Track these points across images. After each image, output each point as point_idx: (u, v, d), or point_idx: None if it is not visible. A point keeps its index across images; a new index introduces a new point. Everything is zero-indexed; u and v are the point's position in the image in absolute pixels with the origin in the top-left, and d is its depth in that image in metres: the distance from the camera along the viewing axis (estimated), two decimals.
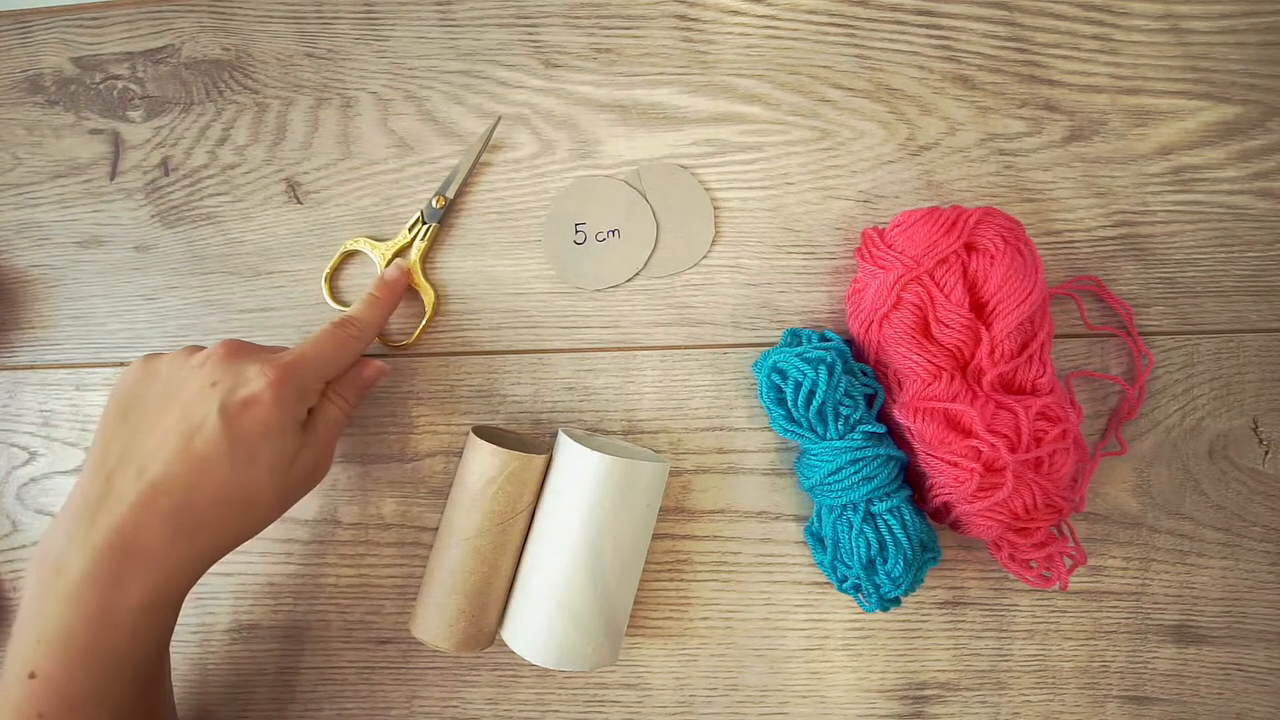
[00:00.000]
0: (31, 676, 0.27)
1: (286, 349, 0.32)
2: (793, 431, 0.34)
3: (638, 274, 0.38)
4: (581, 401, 0.38)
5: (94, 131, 0.40)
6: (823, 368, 0.32)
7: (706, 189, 0.38)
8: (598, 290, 0.38)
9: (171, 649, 0.32)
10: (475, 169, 0.39)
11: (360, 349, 0.34)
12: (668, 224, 0.38)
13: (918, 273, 0.32)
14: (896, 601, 0.34)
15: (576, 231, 0.38)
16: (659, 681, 0.37)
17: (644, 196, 0.38)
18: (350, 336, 0.33)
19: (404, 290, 0.37)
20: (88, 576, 0.27)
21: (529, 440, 0.38)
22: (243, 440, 0.28)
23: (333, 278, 0.39)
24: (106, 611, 0.27)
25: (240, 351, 0.31)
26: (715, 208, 0.38)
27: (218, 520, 0.29)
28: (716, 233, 0.38)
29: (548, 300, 0.38)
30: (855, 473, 0.32)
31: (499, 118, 0.39)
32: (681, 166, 0.38)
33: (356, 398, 0.34)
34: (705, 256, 0.38)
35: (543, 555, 0.33)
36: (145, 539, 0.27)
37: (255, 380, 0.29)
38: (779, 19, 0.39)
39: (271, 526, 0.32)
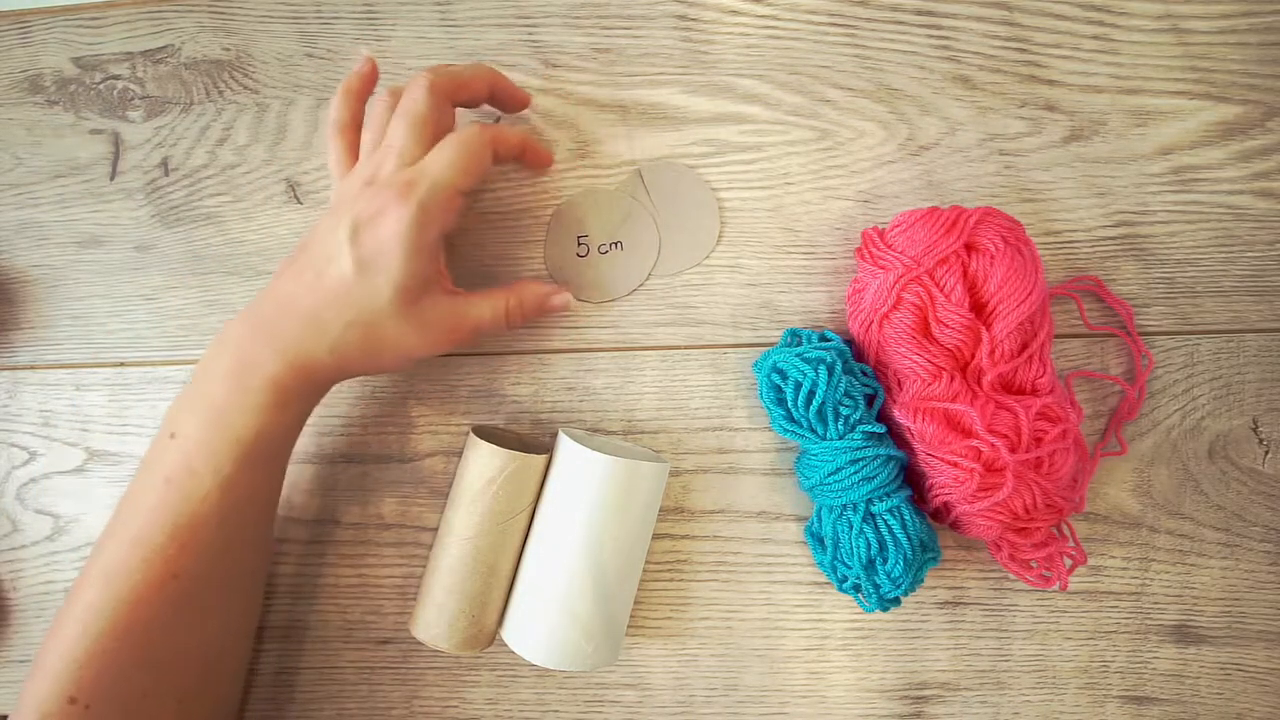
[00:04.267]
0: (172, 436, 0.30)
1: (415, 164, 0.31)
2: (793, 431, 0.34)
3: (641, 285, 0.38)
4: (581, 401, 0.38)
5: (94, 131, 0.40)
6: (823, 368, 0.32)
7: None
8: (586, 302, 0.38)
9: None
10: None
11: (496, 157, 0.33)
12: (672, 222, 0.38)
13: (918, 273, 0.32)
14: (896, 601, 0.34)
15: (579, 244, 0.38)
16: (659, 681, 0.37)
17: (648, 195, 0.38)
18: (484, 142, 0.32)
19: (546, 163, 0.37)
20: (236, 350, 0.30)
21: (529, 440, 0.38)
22: (365, 260, 0.30)
23: None
24: (241, 387, 0.30)
25: (379, 174, 0.31)
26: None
27: (339, 334, 0.30)
28: (722, 229, 0.38)
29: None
30: (855, 473, 0.32)
31: (499, 117, 0.39)
32: (686, 165, 0.38)
33: (531, 314, 0.35)
34: (711, 253, 0.38)
35: (543, 555, 0.33)
36: (280, 331, 0.30)
37: (380, 199, 0.30)
38: (779, 19, 0.39)
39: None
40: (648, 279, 0.38)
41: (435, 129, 0.32)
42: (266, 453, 0.31)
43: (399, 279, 0.30)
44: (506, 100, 0.36)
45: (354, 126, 0.34)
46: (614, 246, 0.38)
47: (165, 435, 0.30)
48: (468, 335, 0.33)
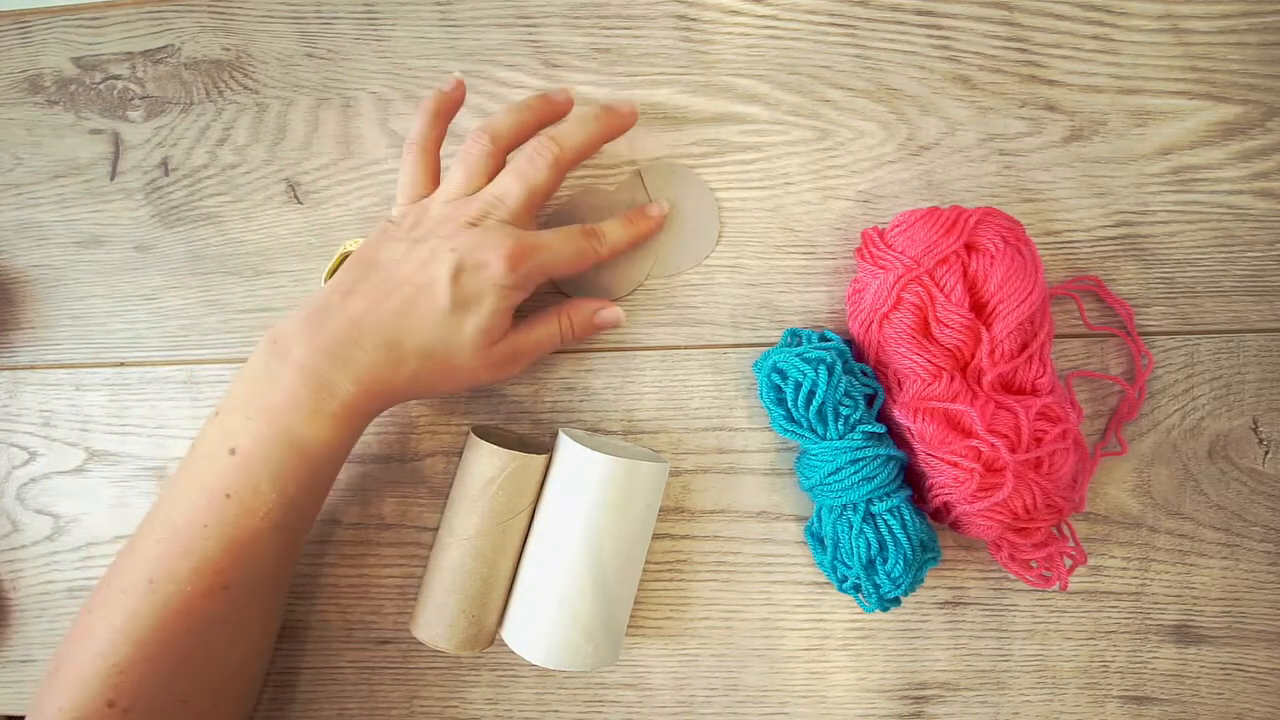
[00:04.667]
0: (232, 453, 0.30)
1: (531, 233, 0.33)
2: (793, 431, 0.34)
3: (639, 286, 0.38)
4: (581, 401, 0.38)
5: (94, 131, 0.40)
6: (823, 368, 0.32)
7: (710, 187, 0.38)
8: None
9: None
10: None
11: (593, 265, 0.34)
12: (671, 223, 0.38)
13: (918, 273, 0.32)
14: (896, 601, 0.34)
15: None
16: (659, 681, 0.37)
17: (647, 196, 0.38)
18: (592, 249, 0.34)
19: (656, 231, 0.37)
20: (304, 369, 0.30)
21: (529, 440, 0.38)
22: (461, 301, 0.31)
23: (333, 278, 0.39)
24: (313, 409, 0.30)
25: (484, 221, 0.32)
26: (718, 205, 0.38)
27: (417, 364, 0.31)
28: (721, 229, 0.38)
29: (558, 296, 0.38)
30: (855, 473, 0.32)
31: None
32: (685, 165, 0.38)
33: (582, 333, 0.36)
34: (711, 254, 0.38)
35: (543, 555, 0.33)
36: (356, 355, 0.30)
37: (492, 251, 0.31)
38: (779, 19, 0.39)
39: None
40: (646, 279, 0.38)
41: (546, 197, 0.33)
42: (326, 470, 0.32)
43: (486, 325, 0.31)
44: (616, 137, 0.36)
45: (435, 147, 0.35)
46: None
47: (222, 450, 0.30)
48: (528, 361, 0.34)
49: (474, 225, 0.32)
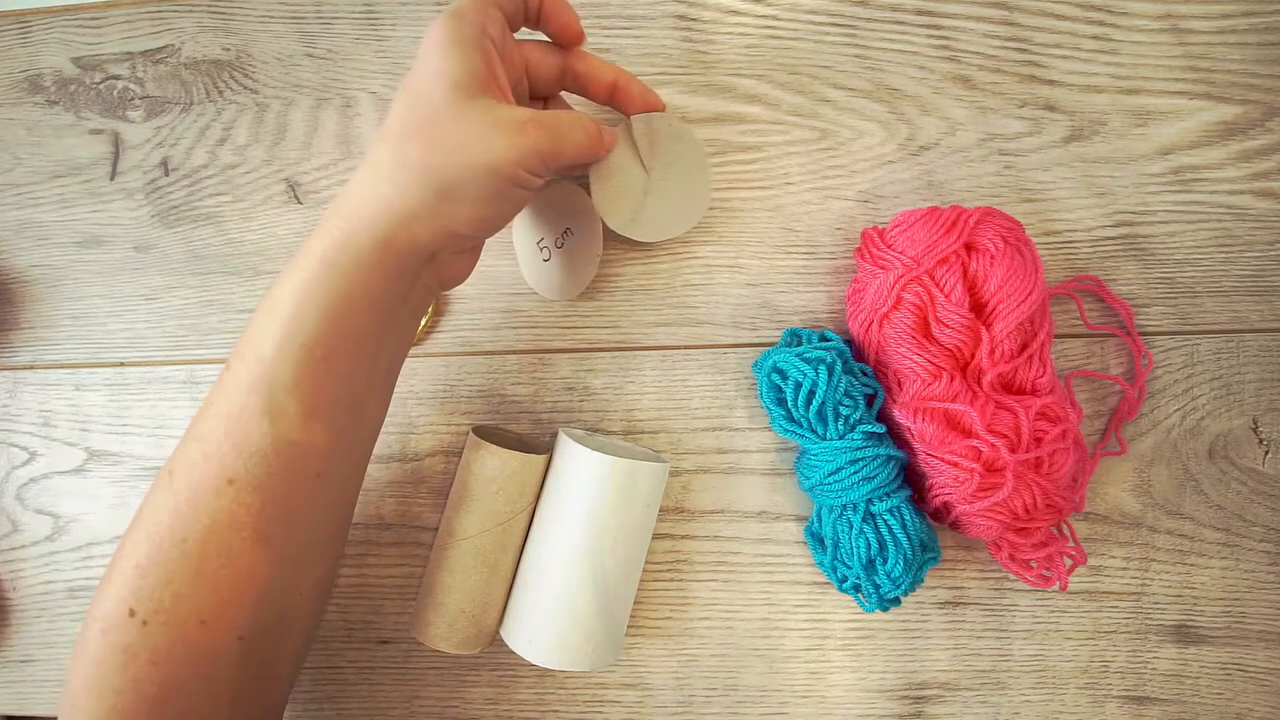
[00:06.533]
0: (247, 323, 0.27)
1: None
2: (793, 431, 0.34)
3: (599, 257, 0.36)
4: (581, 401, 0.38)
5: (94, 131, 0.40)
6: (823, 368, 0.32)
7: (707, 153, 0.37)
8: (572, 299, 0.38)
9: None
10: None
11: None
12: (659, 182, 0.36)
13: (918, 273, 0.32)
14: (896, 601, 0.34)
15: (540, 250, 0.37)
16: (659, 681, 0.37)
17: (634, 150, 0.35)
18: None
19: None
20: (336, 205, 0.28)
21: (529, 440, 0.38)
22: (414, 79, 0.28)
23: None
24: (295, 263, 0.27)
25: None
26: (714, 208, 0.38)
27: (399, 151, 0.27)
28: (709, 212, 0.37)
29: (548, 300, 0.38)
30: (855, 473, 0.32)
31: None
32: (682, 120, 0.37)
33: (592, 150, 0.31)
34: (701, 218, 0.36)
35: (543, 555, 0.33)
36: (346, 190, 0.28)
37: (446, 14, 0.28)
38: (779, 19, 0.39)
39: None
40: (603, 252, 0.36)
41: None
42: (313, 339, 0.26)
43: (446, 70, 0.27)
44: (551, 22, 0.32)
45: None
46: (565, 235, 0.36)
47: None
48: (543, 137, 0.28)
49: None
